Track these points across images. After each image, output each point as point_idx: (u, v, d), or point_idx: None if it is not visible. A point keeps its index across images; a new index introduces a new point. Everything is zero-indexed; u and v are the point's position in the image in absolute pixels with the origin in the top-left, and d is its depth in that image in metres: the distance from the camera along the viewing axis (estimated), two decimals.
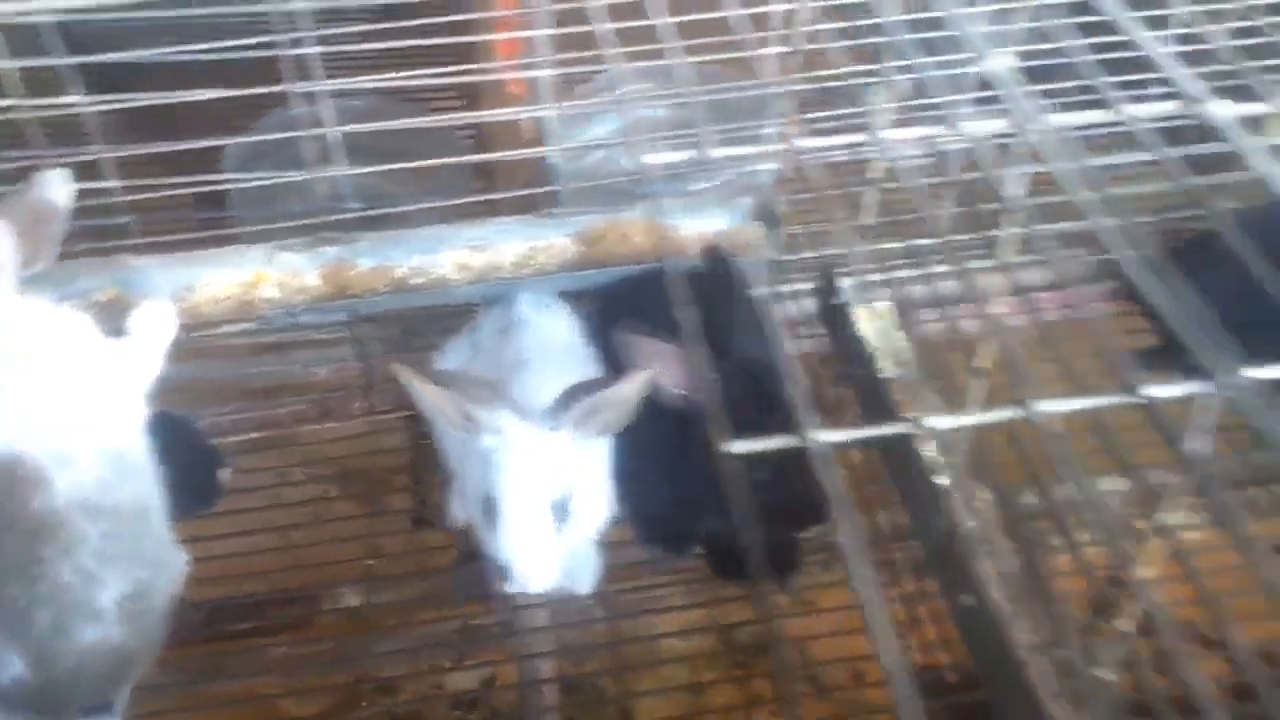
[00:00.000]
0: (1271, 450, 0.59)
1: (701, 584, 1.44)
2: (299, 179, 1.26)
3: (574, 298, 1.22)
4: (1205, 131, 0.71)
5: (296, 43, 1.15)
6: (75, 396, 0.95)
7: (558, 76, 1.23)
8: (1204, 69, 0.81)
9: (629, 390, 0.96)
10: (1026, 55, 0.93)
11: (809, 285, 1.22)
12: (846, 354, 1.14)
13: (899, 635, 1.28)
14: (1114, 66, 0.85)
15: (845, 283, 1.18)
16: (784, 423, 0.79)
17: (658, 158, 0.72)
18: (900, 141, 0.78)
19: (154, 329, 1.05)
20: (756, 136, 1.24)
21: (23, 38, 1.11)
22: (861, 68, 1.05)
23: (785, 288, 1.26)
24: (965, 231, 1.02)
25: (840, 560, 1.42)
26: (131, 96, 1.15)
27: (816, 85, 1.08)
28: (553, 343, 1.14)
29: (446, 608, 1.53)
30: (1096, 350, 0.68)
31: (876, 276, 1.16)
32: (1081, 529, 0.99)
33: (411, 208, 1.24)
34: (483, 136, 1.48)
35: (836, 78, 1.08)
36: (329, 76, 1.21)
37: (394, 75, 1.23)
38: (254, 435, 1.34)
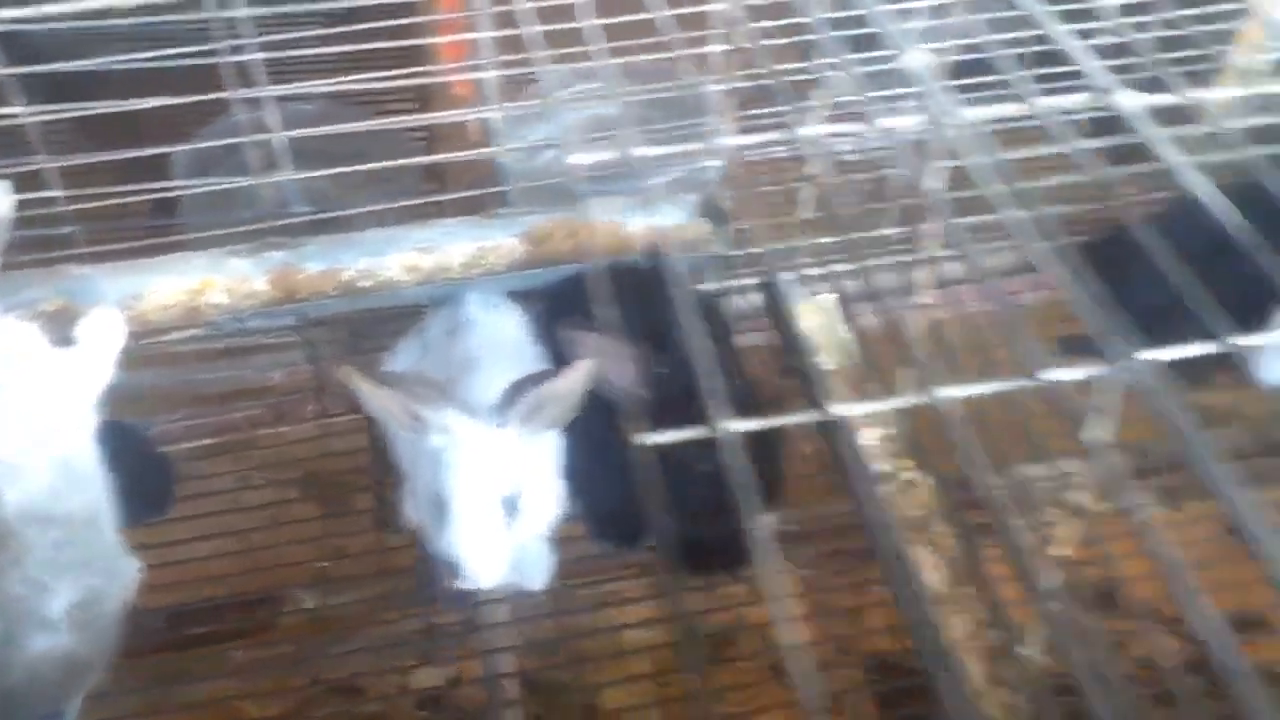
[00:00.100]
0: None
1: (663, 576, 1.46)
2: (246, 185, 1.26)
3: (522, 297, 1.23)
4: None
5: (238, 49, 1.16)
6: (24, 407, 0.95)
7: (504, 78, 1.24)
8: (1127, 60, 0.84)
9: (569, 384, 0.98)
10: (965, 50, 0.95)
11: (756, 280, 1.24)
12: (789, 347, 1.16)
13: (850, 621, 1.31)
14: (1042, 60, 0.87)
15: (788, 277, 1.21)
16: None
17: (582, 157, 0.73)
18: (822, 138, 0.80)
19: (102, 338, 1.05)
20: (700, 134, 1.26)
21: None
22: (794, 65, 1.07)
23: (735, 282, 1.27)
24: (900, 225, 1.05)
25: (795, 546, 1.45)
26: (75, 106, 1.15)
27: (752, 83, 1.09)
28: (500, 342, 1.16)
29: (409, 607, 1.54)
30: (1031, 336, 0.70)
31: (817, 271, 1.18)
32: (1014, 512, 1.02)
33: (359, 210, 1.25)
34: (434, 139, 1.49)
35: (772, 75, 1.10)
36: (278, 82, 1.22)
37: (339, 80, 1.24)
38: (209, 441, 1.35)
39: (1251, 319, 0.84)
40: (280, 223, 1.25)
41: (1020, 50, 0.84)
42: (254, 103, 1.22)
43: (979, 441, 0.74)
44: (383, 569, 1.49)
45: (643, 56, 1.14)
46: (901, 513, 1.01)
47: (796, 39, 1.10)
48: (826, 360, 1.17)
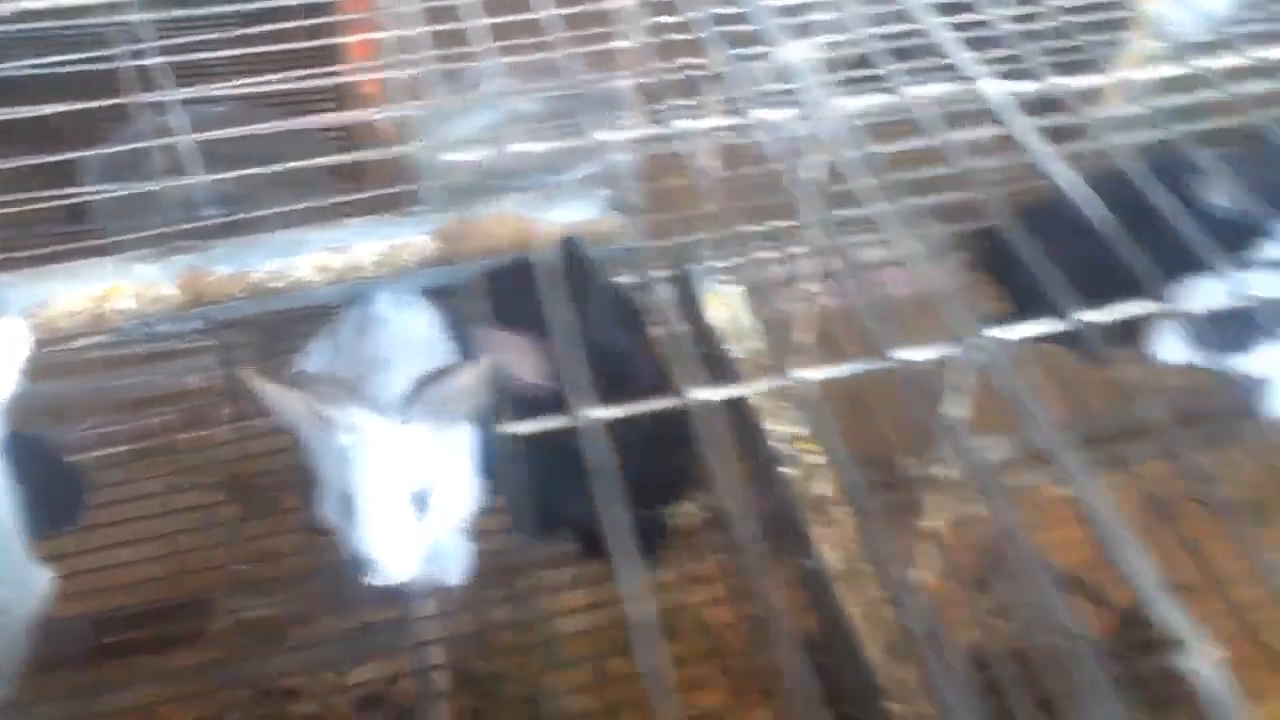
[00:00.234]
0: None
1: (601, 565, 1.47)
2: (156, 189, 1.25)
3: (435, 294, 1.24)
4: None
5: (139, 54, 1.15)
6: None
7: (420, 74, 1.25)
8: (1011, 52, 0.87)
9: (472, 379, 0.99)
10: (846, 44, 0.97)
11: (668, 272, 1.26)
12: (699, 337, 1.18)
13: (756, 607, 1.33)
14: (927, 52, 0.90)
15: (697, 268, 1.23)
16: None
17: (455, 155, 0.74)
18: (700, 131, 0.82)
19: (5, 347, 1.04)
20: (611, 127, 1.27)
21: None
22: (697, 60, 1.09)
23: (648, 275, 1.29)
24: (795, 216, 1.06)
25: (721, 529, 1.47)
26: None
27: (655, 79, 1.11)
28: (411, 339, 1.16)
29: (345, 607, 1.54)
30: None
31: (724, 263, 1.21)
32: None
33: (272, 212, 1.25)
34: (350, 139, 1.49)
35: (673, 70, 1.11)
36: (187, 84, 1.22)
37: (249, 81, 1.24)
38: (124, 448, 1.34)
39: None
40: (191, 226, 1.24)
41: (903, 43, 0.86)
42: (160, 106, 1.22)
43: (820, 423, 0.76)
44: (312, 569, 1.49)
45: (543, 54, 1.15)
46: (803, 494, 1.03)
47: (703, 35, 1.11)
48: (735, 348, 1.19)
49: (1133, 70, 1.23)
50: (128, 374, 1.33)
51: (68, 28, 1.37)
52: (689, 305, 1.19)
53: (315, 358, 1.19)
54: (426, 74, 1.27)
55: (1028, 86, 0.78)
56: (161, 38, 1.15)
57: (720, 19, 0.85)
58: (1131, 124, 1.30)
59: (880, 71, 0.77)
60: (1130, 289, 0.88)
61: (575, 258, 1.18)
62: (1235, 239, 1.18)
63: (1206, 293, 1.13)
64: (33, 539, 1.03)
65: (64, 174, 1.26)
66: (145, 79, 1.16)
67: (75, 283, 1.15)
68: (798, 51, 0.77)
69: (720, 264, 1.19)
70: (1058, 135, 1.27)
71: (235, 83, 1.25)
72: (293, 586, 1.47)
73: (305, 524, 1.52)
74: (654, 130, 0.80)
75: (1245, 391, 1.25)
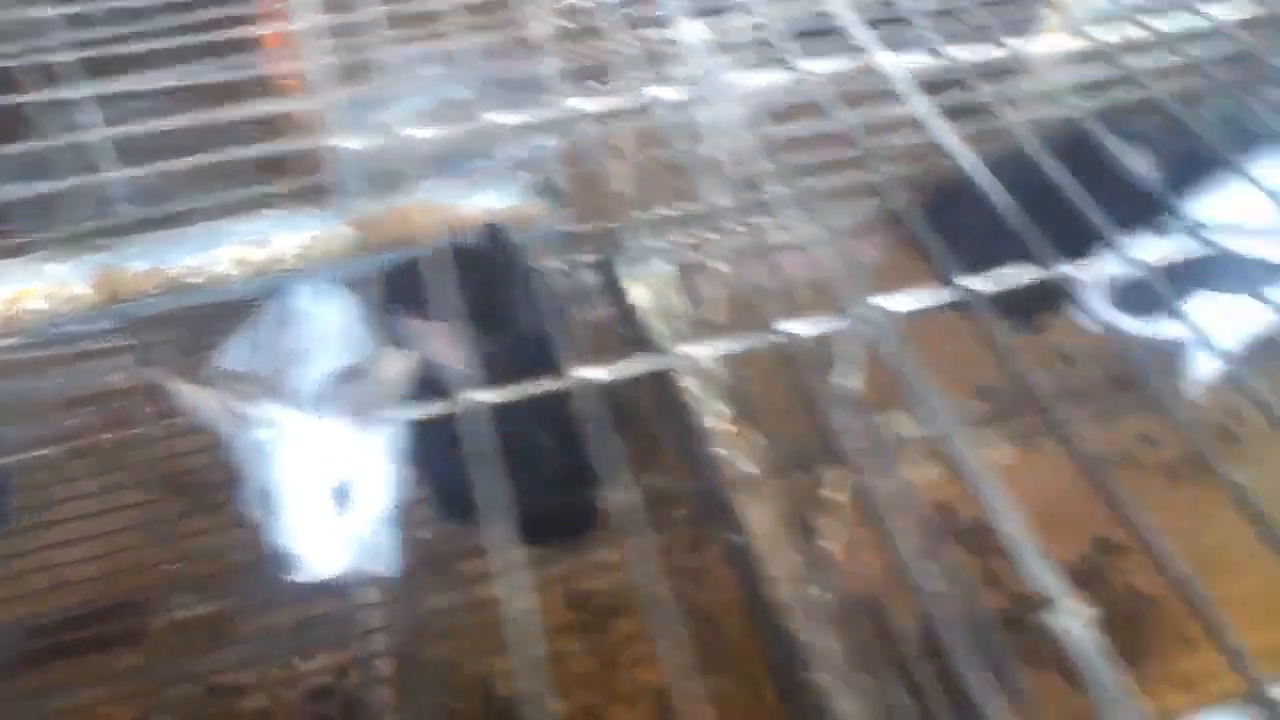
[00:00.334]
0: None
1: (551, 552, 1.48)
2: (73, 186, 1.23)
3: (358, 284, 1.23)
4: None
5: (47, 49, 1.13)
6: None
7: (340, 62, 1.23)
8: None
9: (391, 371, 0.99)
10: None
11: (593, 256, 1.25)
12: (623, 320, 1.18)
13: (689, 584, 1.34)
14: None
15: (624, 250, 1.22)
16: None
17: (367, 142, 0.74)
18: (593, 114, 0.81)
19: None
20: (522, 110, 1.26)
21: None
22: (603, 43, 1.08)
23: (574, 259, 1.29)
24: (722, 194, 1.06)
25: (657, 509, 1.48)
26: None
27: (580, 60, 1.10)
28: (331, 332, 1.15)
29: (288, 601, 1.53)
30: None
31: (649, 244, 1.20)
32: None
33: (191, 207, 1.23)
34: (273, 129, 1.46)
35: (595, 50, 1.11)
36: (103, 79, 1.19)
37: (161, 74, 1.22)
38: (53, 450, 1.32)
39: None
40: (106, 223, 1.22)
41: (808, 25, 0.85)
42: (73, 103, 1.19)
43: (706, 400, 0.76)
44: (253, 564, 1.48)
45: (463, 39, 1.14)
46: (729, 469, 1.04)
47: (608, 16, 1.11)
48: (661, 330, 1.19)
49: (1042, 44, 1.23)
50: (49, 376, 1.31)
51: None
52: (612, 289, 1.19)
53: (235, 353, 1.18)
54: (346, 62, 1.26)
55: (928, 61, 0.78)
56: (72, 30, 1.13)
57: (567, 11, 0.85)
58: (1045, 97, 1.31)
59: (778, 51, 0.77)
60: (1042, 256, 0.89)
61: (498, 243, 1.18)
62: (1145, 207, 1.19)
63: (1117, 259, 1.15)
64: None
65: None
66: (54, 74, 1.14)
67: None
68: (695, 31, 0.77)
69: (644, 246, 1.19)
70: (968, 112, 1.28)
71: (150, 75, 1.23)
72: (233, 582, 1.47)
73: (237, 520, 1.51)
74: (550, 114, 0.80)
75: (1166, 354, 1.27)
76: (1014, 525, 0.53)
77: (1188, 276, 1.16)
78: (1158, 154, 1.20)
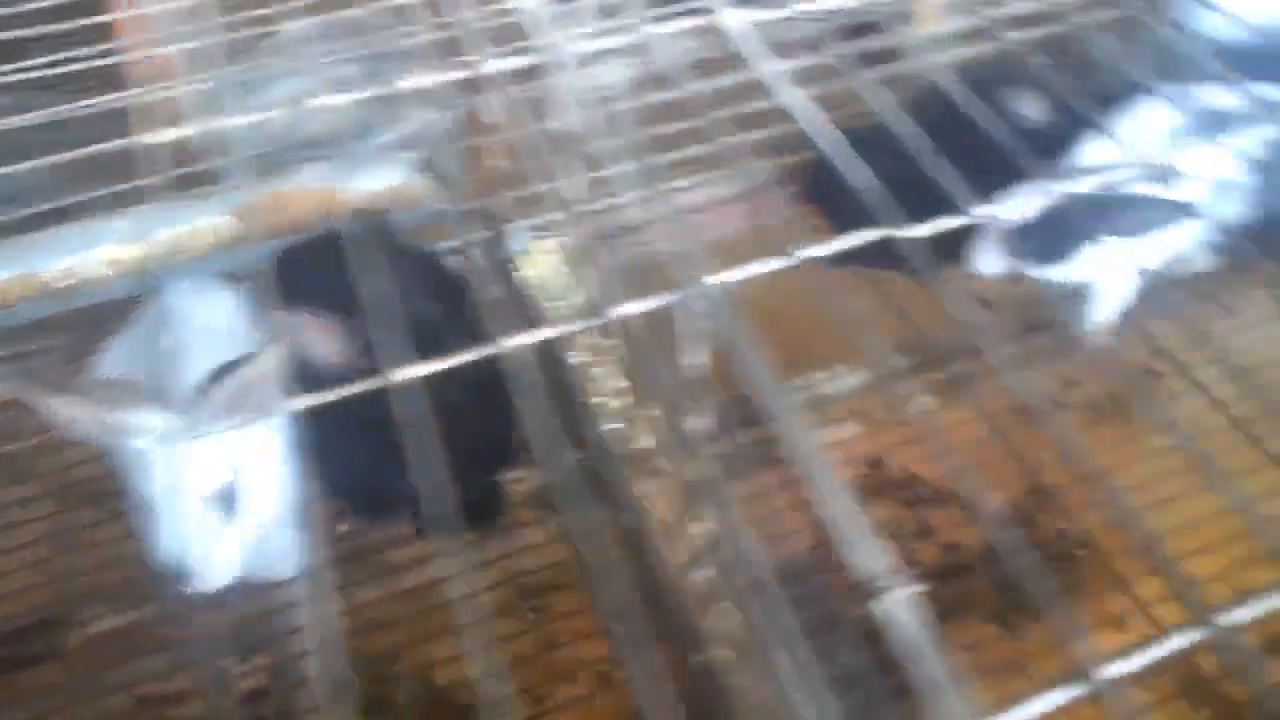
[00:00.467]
0: None
1: (488, 538, 1.45)
2: None
3: (239, 276, 1.18)
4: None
5: None
6: None
7: (207, 45, 1.18)
8: None
9: (262, 368, 0.95)
10: None
11: (480, 234, 1.22)
12: (513, 299, 1.14)
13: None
14: None
15: (515, 227, 1.18)
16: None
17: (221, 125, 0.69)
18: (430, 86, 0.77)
19: None
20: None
21: None
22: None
23: (464, 238, 1.25)
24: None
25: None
26: None
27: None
28: (209, 329, 1.11)
29: (212, 605, 1.49)
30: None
31: (542, 219, 1.17)
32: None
33: (53, 205, 1.17)
34: (142, 118, 1.40)
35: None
36: None
37: (13, 67, 1.16)
38: None
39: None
40: None
41: None
42: None
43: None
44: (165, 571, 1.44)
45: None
46: (625, 446, 1.01)
47: None
48: (555, 307, 1.16)
49: None
50: None
51: None
52: (500, 267, 1.15)
53: (113, 357, 1.13)
54: (215, 44, 1.20)
55: (772, 14, 0.75)
56: None
57: None
58: (947, 41, 1.29)
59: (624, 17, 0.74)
60: (944, 205, 0.86)
61: (376, 228, 1.13)
62: (1048, 148, 1.17)
63: (1017, 204, 1.13)
64: None
65: None
66: None
67: None
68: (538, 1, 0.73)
69: (529, 222, 1.15)
70: (874, 58, 1.25)
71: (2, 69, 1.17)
72: (149, 590, 1.42)
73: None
74: (376, 89, 0.75)
75: (1073, 296, 1.26)
76: (843, 505, 0.51)
77: (1085, 219, 1.15)
78: (1048, 96, 1.18)
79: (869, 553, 0.50)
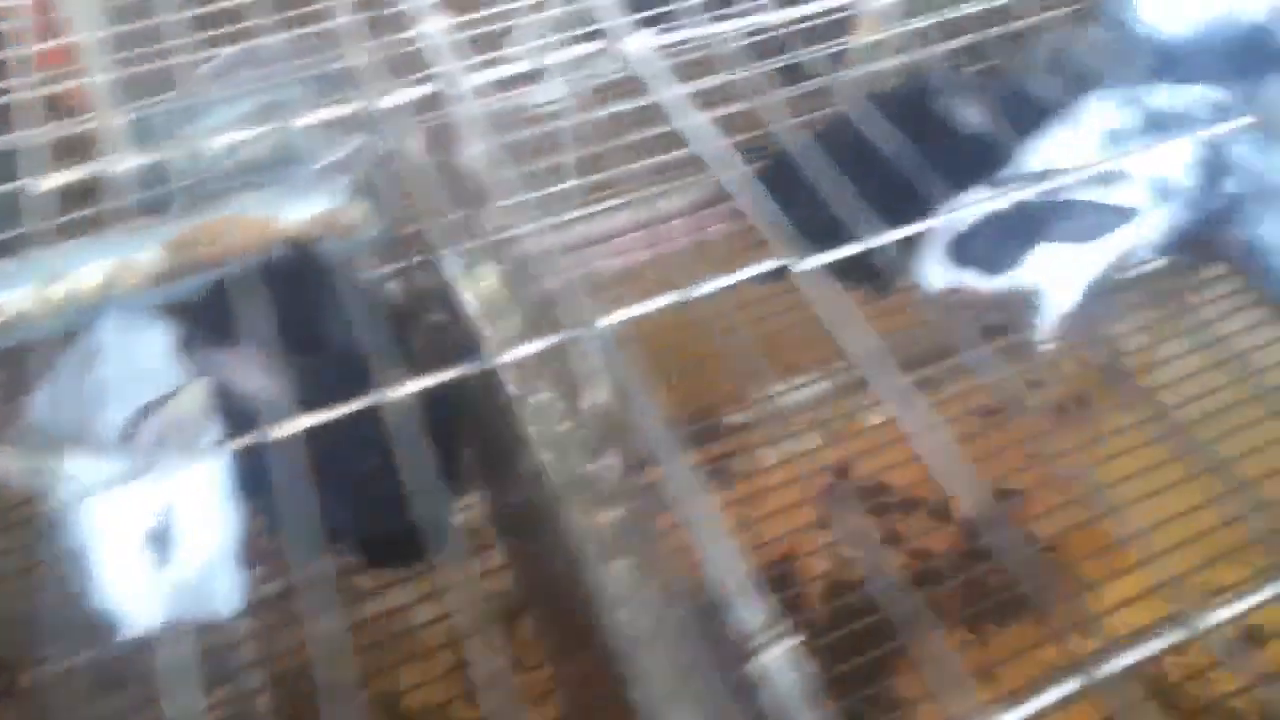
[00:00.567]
0: None
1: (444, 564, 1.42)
2: None
3: (168, 311, 1.16)
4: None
5: None
6: None
7: (131, 75, 1.16)
8: None
9: (185, 406, 0.93)
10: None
11: (412, 260, 1.20)
12: (453, 324, 1.12)
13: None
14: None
15: (452, 250, 1.16)
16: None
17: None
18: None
19: None
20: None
21: None
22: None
23: (397, 264, 1.23)
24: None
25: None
26: None
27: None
28: (138, 367, 1.08)
29: (178, 643, 1.47)
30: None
31: (482, 241, 1.14)
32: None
33: None
34: (71, 151, 1.37)
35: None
36: None
37: None
38: None
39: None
40: None
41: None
42: None
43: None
44: None
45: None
46: (561, 471, 0.99)
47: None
48: (493, 331, 1.14)
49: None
50: None
51: None
52: (441, 291, 1.13)
53: (42, 400, 1.11)
54: (144, 72, 1.19)
55: (673, 37, 0.74)
56: None
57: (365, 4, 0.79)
58: (881, 51, 1.27)
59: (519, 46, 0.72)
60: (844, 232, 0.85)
61: (306, 258, 1.11)
62: (986, 157, 1.16)
63: (959, 214, 1.12)
64: None
65: None
66: None
67: None
68: (436, 26, 0.71)
69: (469, 245, 1.13)
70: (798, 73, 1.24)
71: None
72: (102, 628, 1.40)
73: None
74: (358, 110, 0.73)
75: (1022, 303, 1.25)
76: (727, 562, 0.49)
77: (1028, 227, 1.14)
78: (989, 103, 1.17)
79: (748, 608, 0.48)
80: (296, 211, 1.18)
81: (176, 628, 1.05)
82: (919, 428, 1.73)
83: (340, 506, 1.14)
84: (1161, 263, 1.19)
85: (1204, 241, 1.19)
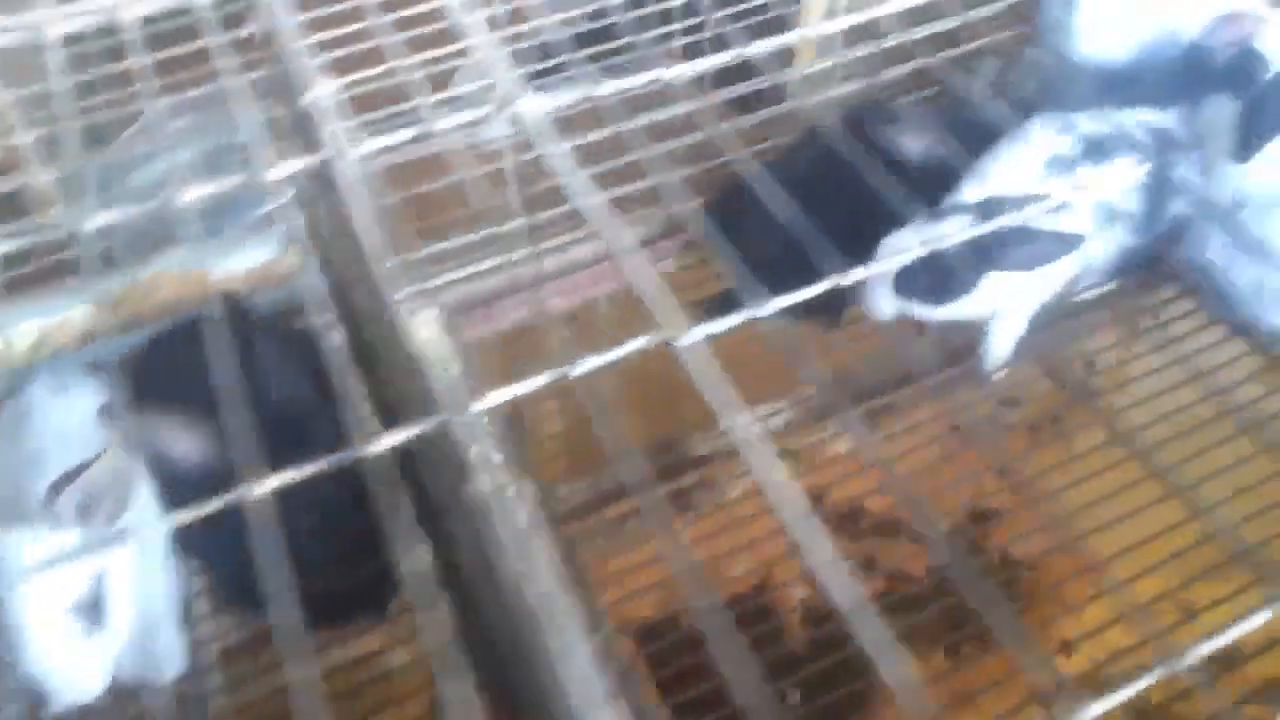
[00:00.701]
0: None
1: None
2: None
3: (103, 369, 1.14)
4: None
5: None
6: None
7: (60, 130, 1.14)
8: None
9: (106, 472, 0.91)
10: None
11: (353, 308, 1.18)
12: (397, 375, 1.11)
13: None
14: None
15: (394, 295, 1.15)
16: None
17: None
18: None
19: None
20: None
21: None
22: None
23: (339, 312, 1.21)
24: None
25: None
26: None
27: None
28: (68, 430, 1.07)
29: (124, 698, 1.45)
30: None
31: (421, 286, 1.13)
32: None
33: None
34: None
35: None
36: None
37: None
38: None
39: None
40: None
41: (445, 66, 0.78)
42: None
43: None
44: None
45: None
46: (503, 526, 0.97)
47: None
48: (434, 378, 1.12)
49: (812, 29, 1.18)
50: None
51: None
52: (376, 344, 1.11)
53: None
54: (69, 130, 1.17)
55: (567, 98, 0.72)
56: None
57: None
58: (824, 81, 1.25)
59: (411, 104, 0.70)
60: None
61: (238, 312, 1.10)
62: (930, 187, 1.14)
63: (903, 247, 1.10)
64: None
65: None
66: None
67: None
68: (326, 89, 0.70)
69: (410, 289, 1.11)
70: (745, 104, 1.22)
71: None
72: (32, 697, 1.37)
73: None
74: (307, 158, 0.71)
75: (970, 335, 1.23)
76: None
77: (972, 257, 1.12)
78: (929, 131, 1.15)
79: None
80: (230, 264, 1.16)
81: (130, 689, 1.03)
82: (896, 451, 1.70)
83: (282, 566, 1.13)
84: (1107, 289, 1.17)
85: (1153, 264, 1.17)
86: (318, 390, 1.11)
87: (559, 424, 1.75)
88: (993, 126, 1.14)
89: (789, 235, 0.89)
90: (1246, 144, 1.02)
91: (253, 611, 1.17)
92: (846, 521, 1.82)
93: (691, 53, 1.11)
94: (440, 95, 0.75)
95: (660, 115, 1.13)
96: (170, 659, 1.10)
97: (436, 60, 0.77)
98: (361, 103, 0.86)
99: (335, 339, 1.22)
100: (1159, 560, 1.37)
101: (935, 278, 1.13)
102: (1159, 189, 1.09)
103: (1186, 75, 1.08)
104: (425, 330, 1.13)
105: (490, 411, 0.57)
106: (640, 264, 0.59)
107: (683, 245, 1.31)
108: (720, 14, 0.91)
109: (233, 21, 0.91)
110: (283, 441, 1.01)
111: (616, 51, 1.06)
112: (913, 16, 1.11)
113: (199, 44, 0.90)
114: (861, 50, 1.18)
